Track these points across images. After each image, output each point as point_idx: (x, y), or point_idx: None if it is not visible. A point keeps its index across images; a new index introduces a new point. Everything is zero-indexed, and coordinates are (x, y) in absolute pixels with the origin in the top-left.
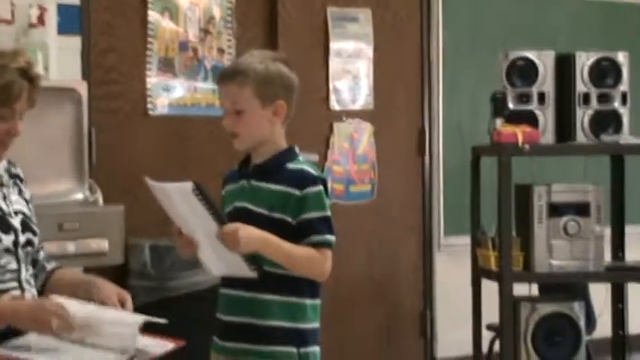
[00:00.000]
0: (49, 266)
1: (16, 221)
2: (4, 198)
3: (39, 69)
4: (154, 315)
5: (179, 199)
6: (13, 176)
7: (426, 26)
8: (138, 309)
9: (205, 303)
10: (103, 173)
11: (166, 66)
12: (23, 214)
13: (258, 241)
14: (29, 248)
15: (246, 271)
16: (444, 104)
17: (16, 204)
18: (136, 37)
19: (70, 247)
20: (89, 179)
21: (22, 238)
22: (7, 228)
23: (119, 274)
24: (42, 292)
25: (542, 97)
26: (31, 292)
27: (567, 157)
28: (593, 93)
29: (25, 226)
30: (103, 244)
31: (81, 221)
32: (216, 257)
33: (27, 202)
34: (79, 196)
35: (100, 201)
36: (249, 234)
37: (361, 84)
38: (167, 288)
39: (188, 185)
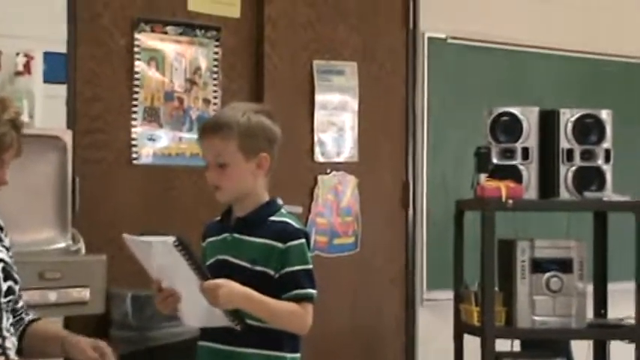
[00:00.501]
0: (27, 318)
1: None
2: None
3: (24, 117)
4: None
5: (161, 253)
6: None
7: (411, 80)
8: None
9: (186, 354)
10: (86, 222)
11: (152, 116)
12: (4, 261)
13: (240, 299)
14: (10, 297)
15: (228, 323)
16: (429, 158)
17: None
18: (121, 86)
19: (52, 296)
20: (72, 228)
21: (4, 286)
22: None
23: (100, 324)
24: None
25: (526, 153)
26: (11, 340)
27: (551, 213)
28: (577, 149)
29: (6, 274)
30: (85, 294)
31: (62, 270)
32: (198, 309)
33: (7, 249)
34: (62, 244)
35: (83, 250)
36: (231, 291)
37: (346, 136)
38: (148, 338)
39: (170, 239)
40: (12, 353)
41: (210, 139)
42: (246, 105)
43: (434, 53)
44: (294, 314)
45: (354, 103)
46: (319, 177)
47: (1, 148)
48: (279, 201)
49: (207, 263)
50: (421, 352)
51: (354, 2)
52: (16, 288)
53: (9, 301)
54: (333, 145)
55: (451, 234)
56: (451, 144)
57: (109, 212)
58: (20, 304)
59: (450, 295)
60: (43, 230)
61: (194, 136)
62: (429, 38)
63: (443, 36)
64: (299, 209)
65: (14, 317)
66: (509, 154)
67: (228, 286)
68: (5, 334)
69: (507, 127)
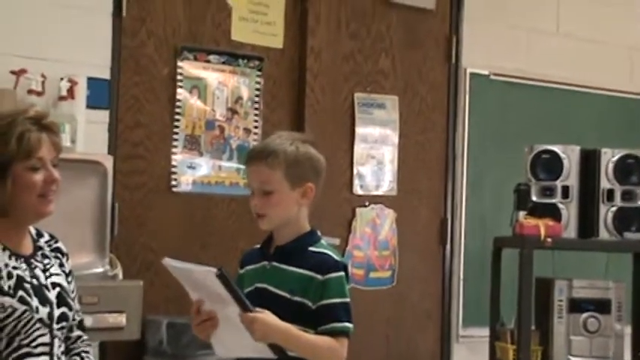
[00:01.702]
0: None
1: (52, 294)
2: (44, 270)
3: (66, 141)
4: None
5: (202, 280)
6: (54, 250)
7: (452, 115)
8: None
9: None
10: (124, 248)
11: (192, 144)
12: (61, 287)
13: (276, 334)
14: (64, 323)
15: (267, 353)
16: (468, 194)
17: (55, 277)
18: (163, 113)
19: (88, 320)
20: (110, 253)
21: (57, 312)
22: (44, 300)
23: (135, 350)
24: None
25: (566, 192)
26: None
27: (589, 253)
28: (618, 190)
29: (62, 299)
30: (121, 319)
31: (99, 295)
32: (235, 338)
33: (67, 275)
34: (99, 269)
35: (120, 275)
36: (268, 326)
37: (385, 170)
38: None
39: (213, 270)
40: None
41: (257, 166)
42: (293, 134)
43: (475, 89)
44: (329, 349)
45: (394, 137)
46: (357, 209)
47: (30, 147)
48: (319, 232)
49: (246, 291)
50: None
51: (397, 35)
52: (70, 315)
53: (62, 328)
54: (372, 178)
55: (488, 271)
56: (490, 180)
57: (147, 238)
58: (75, 332)
59: (485, 332)
60: (81, 254)
61: (234, 164)
62: (471, 74)
63: (485, 72)
64: (336, 241)
65: (67, 348)
66: (549, 192)
67: (265, 321)
68: None
69: (548, 165)
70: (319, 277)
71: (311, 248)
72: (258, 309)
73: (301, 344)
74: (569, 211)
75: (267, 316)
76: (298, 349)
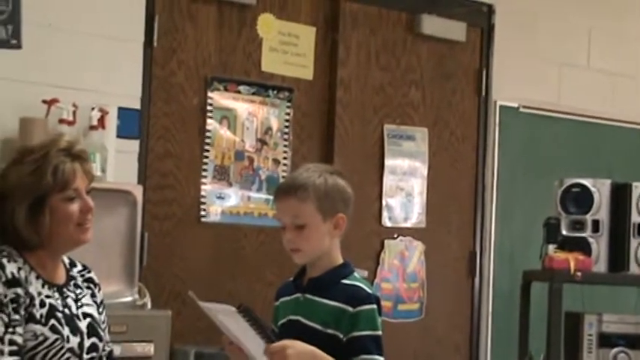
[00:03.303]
0: None
1: (83, 324)
2: (76, 300)
3: (96, 171)
4: None
5: (226, 317)
6: (87, 280)
7: (482, 147)
8: None
9: None
10: (153, 277)
11: (221, 174)
12: (92, 317)
13: (308, 358)
14: (94, 353)
15: None
16: (497, 227)
17: (86, 307)
18: (193, 143)
19: (116, 350)
20: (139, 282)
21: (88, 342)
22: (75, 330)
23: None
24: None
25: (596, 225)
26: None
27: (620, 287)
28: None
29: (92, 330)
30: (149, 349)
31: (128, 324)
32: None
33: (98, 306)
34: (128, 298)
35: (149, 305)
36: (298, 351)
37: (414, 202)
38: None
39: (232, 308)
40: None
41: (287, 201)
42: (320, 166)
43: (505, 121)
44: None
45: (423, 169)
46: (386, 241)
47: (66, 179)
48: (352, 265)
49: (280, 323)
50: None
51: (427, 68)
52: (100, 345)
53: (92, 358)
54: (401, 210)
55: (517, 304)
56: (520, 214)
57: (176, 268)
58: None
59: None
60: (110, 283)
61: (263, 195)
62: (501, 107)
63: (515, 105)
64: (364, 273)
65: None
66: (579, 225)
67: (296, 346)
68: None
69: (578, 199)
70: (351, 309)
71: (344, 281)
72: (286, 340)
73: None
74: (600, 245)
75: (295, 342)
76: None
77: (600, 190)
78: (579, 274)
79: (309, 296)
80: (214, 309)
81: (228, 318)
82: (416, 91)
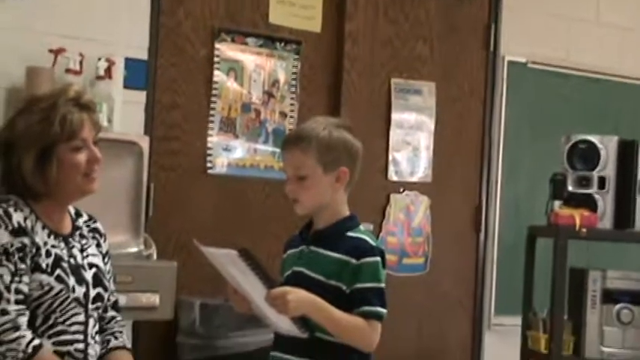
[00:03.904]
0: (111, 342)
1: (88, 274)
2: (82, 250)
3: (103, 121)
4: None
5: (228, 263)
6: (93, 230)
7: (489, 103)
8: None
9: None
10: (159, 228)
11: (228, 126)
12: (97, 267)
13: (308, 305)
14: (99, 303)
15: (296, 332)
16: (503, 182)
17: (92, 257)
18: (200, 95)
19: (122, 299)
20: (144, 233)
21: (93, 292)
22: (81, 280)
23: (168, 330)
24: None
25: (602, 182)
26: (94, 348)
27: (625, 244)
28: None
29: (97, 280)
30: (154, 299)
31: (133, 275)
32: (266, 316)
33: (103, 256)
34: (134, 249)
35: (154, 256)
36: (299, 297)
37: (421, 156)
38: (215, 347)
39: (234, 252)
40: None
41: (291, 152)
42: (328, 119)
43: (513, 77)
44: (360, 330)
45: (430, 124)
46: (392, 196)
47: (74, 129)
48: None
49: (285, 275)
50: None
51: (436, 22)
52: (105, 295)
53: (97, 308)
54: (407, 164)
55: (522, 259)
56: (526, 169)
57: (182, 219)
58: (109, 313)
59: (517, 320)
60: (116, 233)
61: (269, 148)
62: (509, 62)
63: (523, 60)
64: (369, 227)
65: (101, 328)
66: (585, 182)
67: (296, 293)
68: (90, 340)
69: (585, 155)
70: (354, 261)
71: (349, 233)
72: (288, 287)
73: (331, 317)
74: (605, 202)
75: (297, 289)
76: (328, 322)
77: (607, 146)
78: (584, 230)
79: (313, 248)
80: (217, 254)
81: (230, 263)
82: (424, 45)
